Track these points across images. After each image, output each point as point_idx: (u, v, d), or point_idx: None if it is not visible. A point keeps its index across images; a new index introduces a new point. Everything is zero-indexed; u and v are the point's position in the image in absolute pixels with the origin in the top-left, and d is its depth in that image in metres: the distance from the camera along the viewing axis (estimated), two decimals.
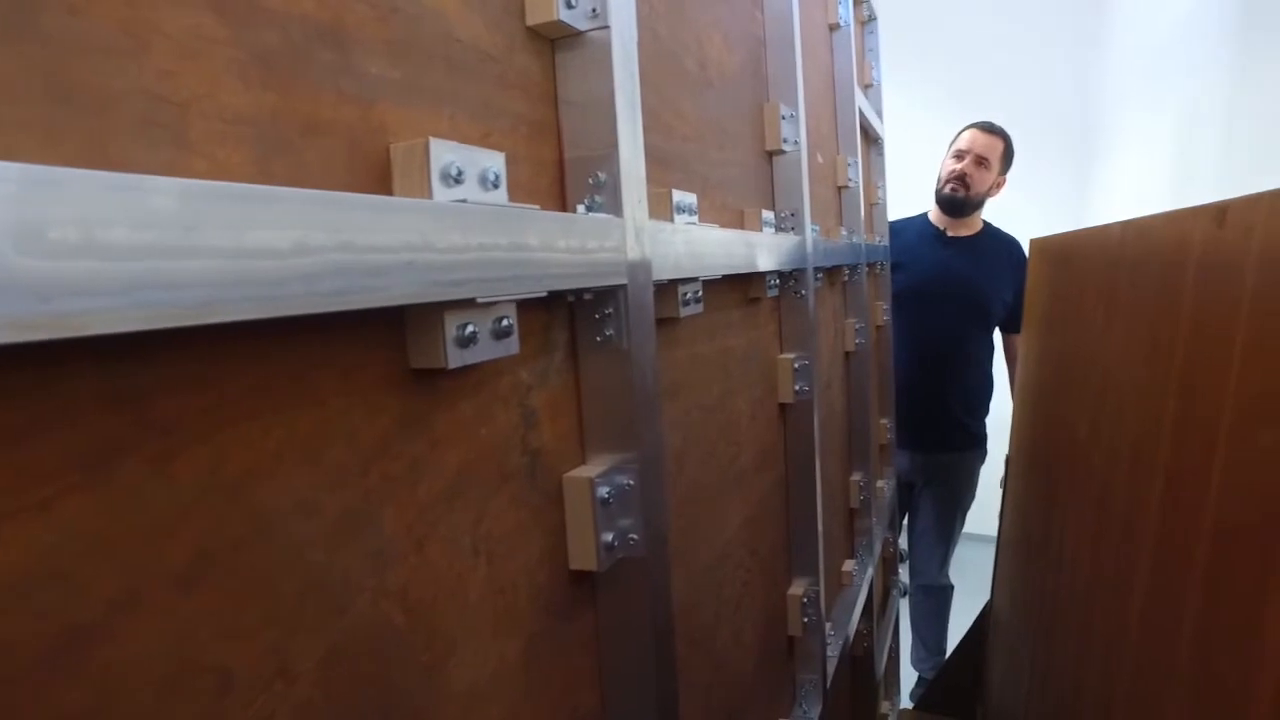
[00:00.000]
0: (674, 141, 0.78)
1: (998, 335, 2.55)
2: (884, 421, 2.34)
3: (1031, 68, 3.73)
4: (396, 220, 0.33)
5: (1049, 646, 1.53)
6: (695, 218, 0.75)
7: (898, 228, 2.50)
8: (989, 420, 2.57)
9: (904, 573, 2.83)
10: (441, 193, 0.38)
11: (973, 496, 2.61)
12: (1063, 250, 1.70)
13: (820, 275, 1.35)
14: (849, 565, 1.70)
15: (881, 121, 2.32)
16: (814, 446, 1.21)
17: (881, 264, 2.24)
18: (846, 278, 1.72)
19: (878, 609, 2.19)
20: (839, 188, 1.72)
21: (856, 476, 1.84)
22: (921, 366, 2.45)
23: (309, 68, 0.35)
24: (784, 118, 1.12)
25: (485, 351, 0.42)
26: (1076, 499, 1.34)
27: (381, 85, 0.39)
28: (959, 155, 2.36)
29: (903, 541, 2.85)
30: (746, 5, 1.07)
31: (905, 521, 2.75)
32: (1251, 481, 0.59)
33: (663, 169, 0.74)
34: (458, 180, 0.39)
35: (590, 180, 0.55)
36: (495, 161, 0.42)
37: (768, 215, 1.03)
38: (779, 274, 1.08)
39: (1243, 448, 0.57)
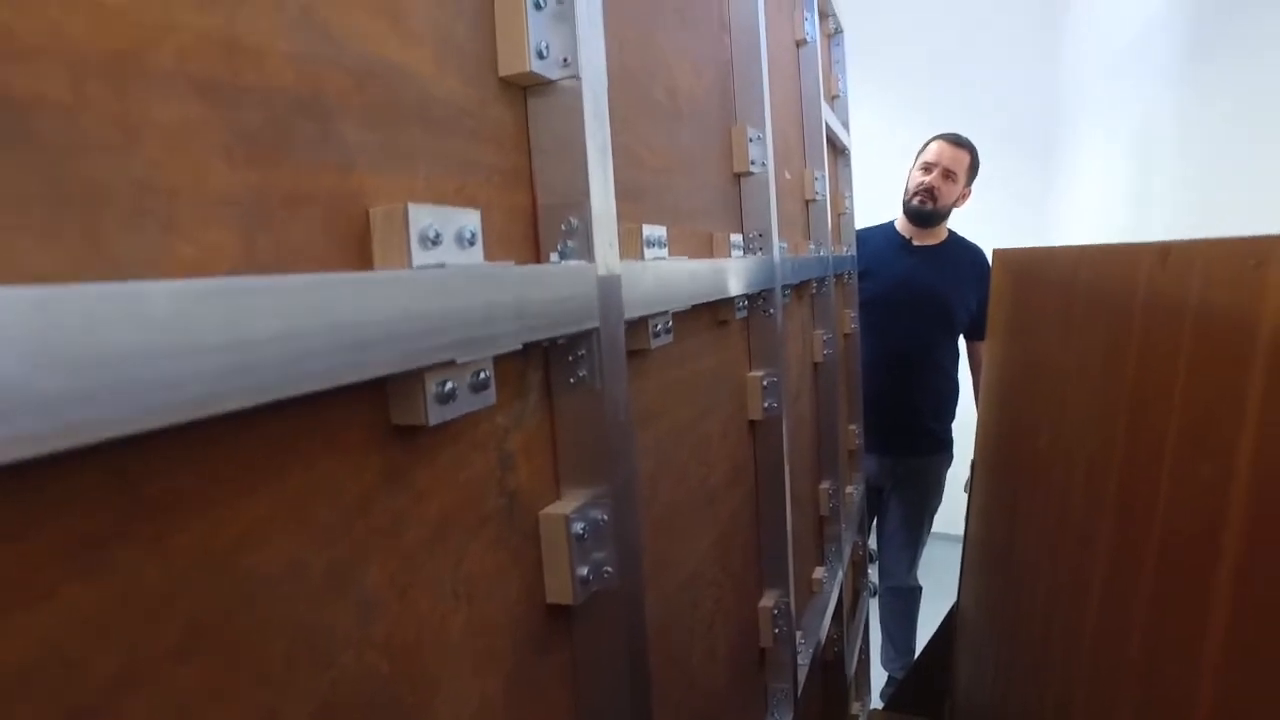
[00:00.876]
0: (644, 174, 0.79)
1: (962, 341, 2.61)
2: (852, 427, 2.38)
3: (996, 79, 3.81)
4: (379, 295, 0.34)
5: (1013, 649, 1.58)
6: (665, 250, 0.77)
7: (865, 235, 2.54)
8: (954, 425, 2.62)
9: (873, 573, 2.87)
10: (420, 256, 0.40)
11: (940, 499, 2.66)
12: (1024, 265, 1.74)
13: (788, 291, 1.37)
14: (819, 573, 1.73)
15: (848, 132, 2.36)
16: (783, 461, 1.24)
17: (849, 273, 2.28)
18: (814, 291, 1.75)
19: (847, 612, 2.23)
20: (806, 201, 1.75)
21: (826, 485, 1.88)
22: (889, 373, 2.49)
23: (290, 141, 0.36)
24: (751, 140, 1.14)
25: (464, 405, 0.44)
26: (1038, 508, 1.38)
27: (360, 150, 0.41)
28: (926, 167, 2.41)
29: (872, 542, 2.90)
30: (714, 29, 1.09)
31: (874, 524, 2.80)
32: (1193, 506, 0.62)
33: (633, 203, 0.76)
34: (435, 242, 0.41)
35: (563, 227, 0.56)
36: (471, 220, 0.44)
37: (736, 239, 1.05)
38: (747, 296, 1.10)
39: (1185, 476, 0.60)
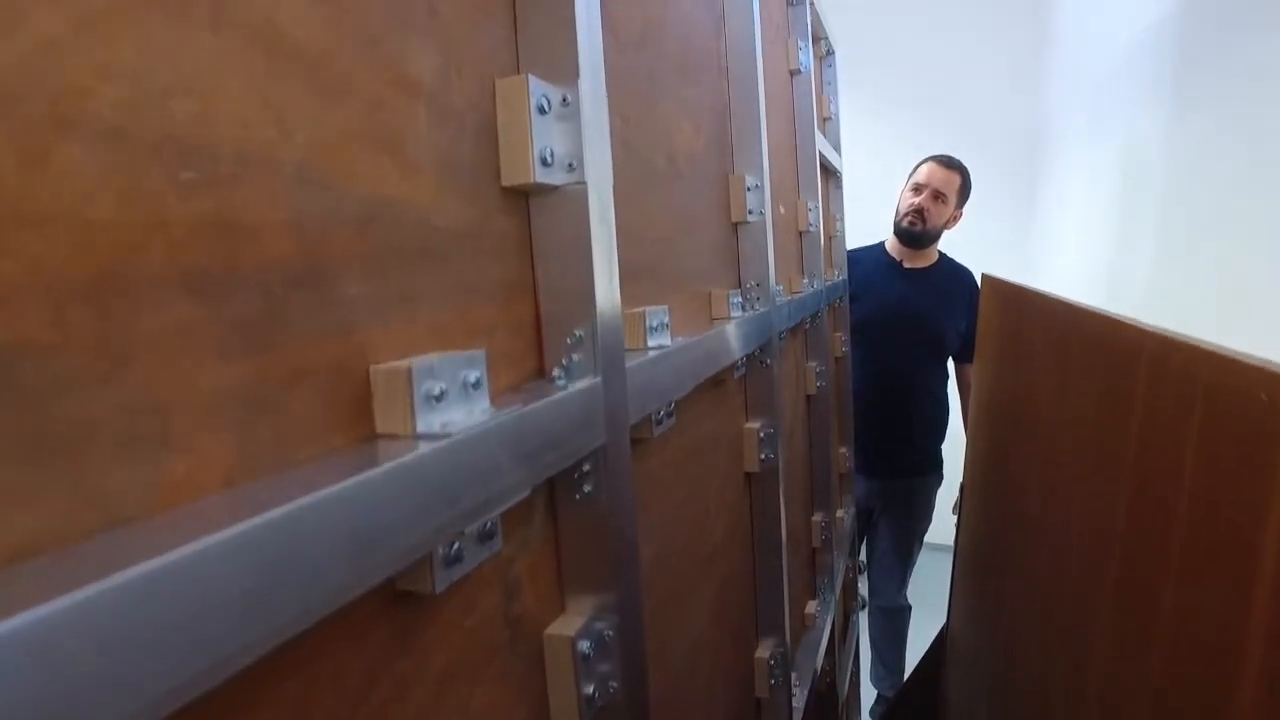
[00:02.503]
0: (644, 249, 0.77)
1: (951, 363, 2.60)
2: (843, 450, 2.37)
3: (982, 100, 3.82)
4: (388, 493, 0.32)
5: (1006, 685, 1.57)
6: (668, 333, 0.75)
7: (855, 257, 2.53)
8: (944, 446, 2.62)
9: (863, 586, 2.87)
10: (425, 418, 0.37)
11: (929, 521, 2.66)
12: (1015, 300, 1.73)
13: (784, 335, 1.35)
14: (812, 607, 1.72)
15: (839, 155, 2.34)
16: (780, 511, 1.22)
17: (840, 298, 2.27)
18: (808, 325, 1.73)
19: (839, 638, 2.22)
20: (800, 232, 1.73)
21: (818, 517, 1.86)
22: (880, 395, 2.49)
23: (287, 317, 0.34)
24: (749, 189, 1.12)
25: (472, 560, 0.41)
26: (1030, 556, 1.37)
27: (360, 305, 0.38)
28: (917, 189, 2.40)
29: (861, 554, 2.89)
30: (713, 76, 1.07)
31: (864, 543, 2.80)
32: (1207, 608, 0.61)
33: (634, 282, 0.74)
34: (439, 399, 0.38)
35: (568, 340, 0.54)
36: (475, 365, 0.42)
37: (735, 298, 1.03)
38: (746, 355, 1.08)
39: (1196, 572, 0.59)
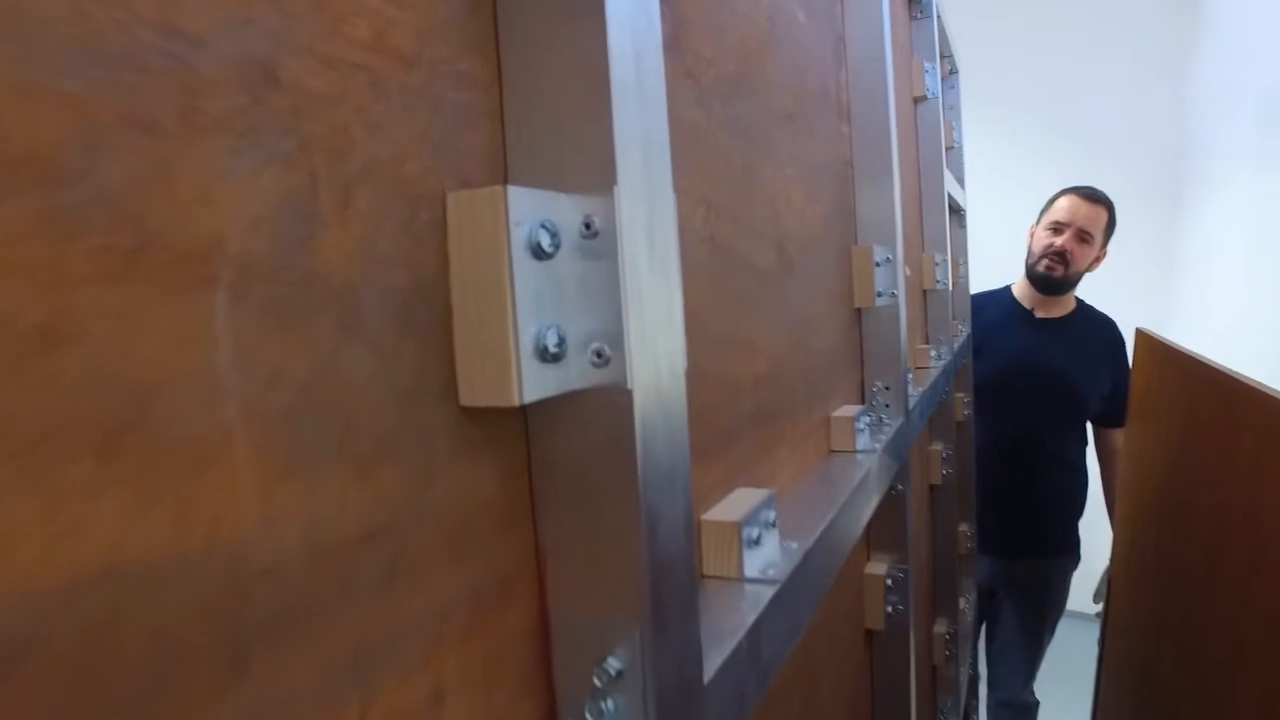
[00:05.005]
0: (740, 399, 0.51)
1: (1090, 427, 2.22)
2: (963, 528, 2.03)
3: (1115, 111, 3.38)
4: None
5: None
6: (774, 537, 0.48)
7: (977, 304, 2.19)
8: (1081, 523, 2.25)
9: (981, 688, 2.50)
10: None
11: (1062, 608, 2.28)
12: (1177, 365, 1.40)
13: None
14: None
15: (963, 189, 2.02)
16: (909, 682, 0.93)
17: (965, 357, 1.94)
18: (934, 409, 1.42)
19: None
20: (924, 291, 1.43)
21: (941, 627, 1.55)
22: (1006, 464, 2.13)
23: None
24: (878, 264, 0.84)
25: None
26: (1213, 679, 1.03)
27: None
28: (1056, 228, 2.04)
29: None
30: (830, 121, 0.80)
31: (983, 629, 2.43)
32: None
33: (720, 453, 0.47)
34: None
35: (597, 681, 0.28)
36: None
37: (862, 419, 0.75)
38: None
39: None
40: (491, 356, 0.24)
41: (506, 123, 0.28)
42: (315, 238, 0.21)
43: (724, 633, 0.38)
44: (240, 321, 0.19)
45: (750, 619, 0.39)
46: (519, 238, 0.24)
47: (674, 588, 0.30)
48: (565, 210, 0.26)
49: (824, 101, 0.76)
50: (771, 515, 0.48)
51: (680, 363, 0.30)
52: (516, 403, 0.24)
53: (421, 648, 0.24)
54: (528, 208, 0.25)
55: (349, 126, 0.22)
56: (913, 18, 1.43)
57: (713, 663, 0.34)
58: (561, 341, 0.26)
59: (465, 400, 0.25)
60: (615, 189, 0.26)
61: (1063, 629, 2.31)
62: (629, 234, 0.27)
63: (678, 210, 0.42)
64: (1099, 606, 2.15)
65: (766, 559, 0.46)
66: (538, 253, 0.25)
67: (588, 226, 0.26)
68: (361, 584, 0.22)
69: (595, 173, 0.26)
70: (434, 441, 0.24)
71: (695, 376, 0.43)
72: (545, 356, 0.25)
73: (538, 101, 0.27)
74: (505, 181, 0.25)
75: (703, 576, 0.45)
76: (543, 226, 0.25)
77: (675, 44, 0.42)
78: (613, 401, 0.27)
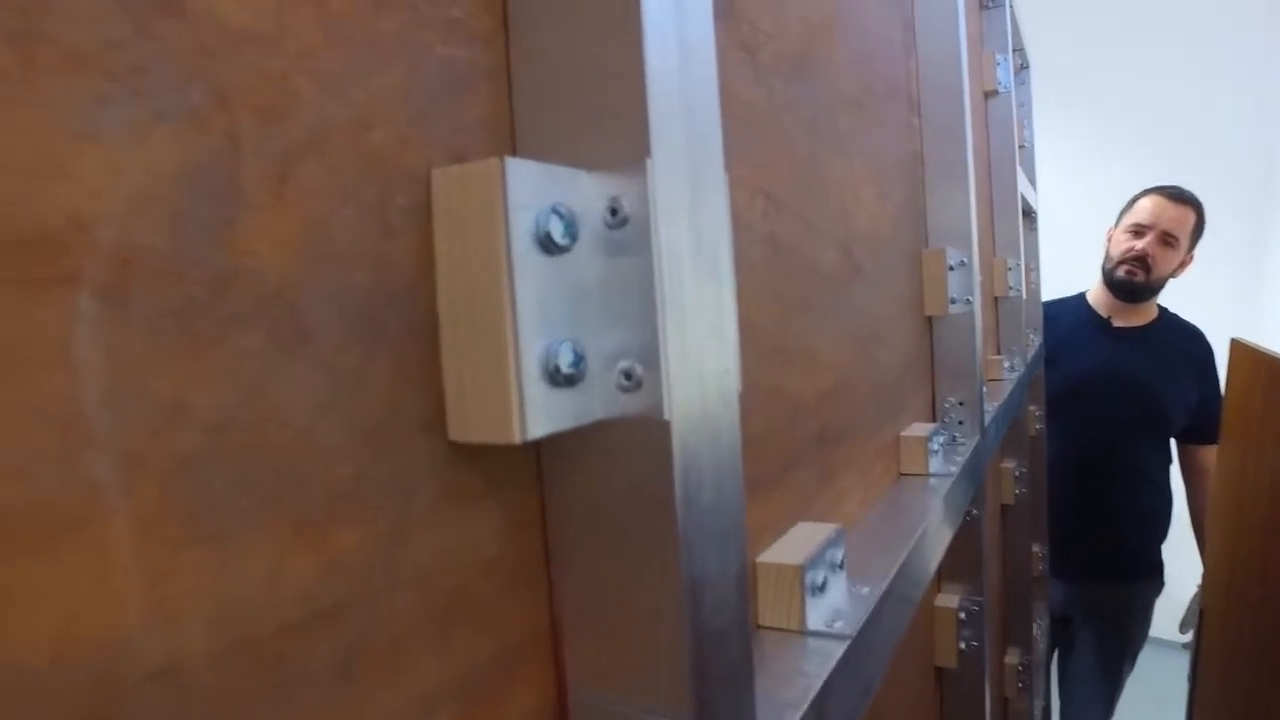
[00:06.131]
0: (803, 420, 0.44)
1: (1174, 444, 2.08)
2: (1036, 549, 1.91)
3: (1200, 105, 3.20)
4: None
5: None
6: (842, 574, 0.42)
7: (1049, 313, 2.08)
8: (1165, 545, 2.11)
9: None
10: None
11: (1144, 637, 2.14)
12: (1277, 373, 1.28)
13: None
14: None
15: (1035, 190, 1.91)
16: None
17: (1038, 368, 1.83)
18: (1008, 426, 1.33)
19: None
20: (995, 299, 1.34)
21: (1013, 658, 1.45)
22: (1081, 482, 2.01)
23: None
24: (952, 268, 0.77)
25: None
26: None
27: None
28: (1137, 230, 1.91)
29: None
30: (902, 112, 0.73)
31: (1056, 655, 2.30)
32: None
33: (780, 486, 0.41)
34: None
35: None
36: None
37: (935, 439, 0.67)
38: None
39: None
40: (486, 379, 0.19)
41: (515, 85, 0.22)
42: (236, 224, 0.15)
43: (784, 704, 0.31)
44: (117, 338, 0.13)
45: (816, 685, 0.33)
46: (522, 225, 0.19)
47: (724, 663, 0.24)
48: (585, 191, 0.21)
49: (894, 90, 0.70)
50: (839, 555, 0.42)
51: (733, 384, 0.24)
52: (517, 439, 0.18)
53: (483, 689, 0.18)
54: (534, 187, 0.19)
55: (289, 76, 0.16)
56: (983, 7, 1.35)
57: None
58: (578, 360, 0.20)
59: (456, 435, 0.20)
60: (648, 163, 0.20)
61: (1145, 659, 2.16)
62: (667, 221, 0.21)
63: (733, 201, 0.36)
64: (1187, 636, 2.01)
65: (833, 608, 0.40)
66: (547, 245, 0.19)
67: (614, 212, 0.21)
68: (305, 683, 0.16)
69: (623, 143, 0.20)
70: (412, 489, 0.19)
71: (750, 396, 0.37)
72: (557, 379, 0.19)
73: (553, 57, 0.22)
74: (503, 153, 0.20)
75: (758, 628, 0.38)
76: (555, 212, 0.19)
77: (729, 10, 0.36)
78: (646, 435, 0.21)
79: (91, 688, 0.13)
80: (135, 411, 0.14)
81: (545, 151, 0.22)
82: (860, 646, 0.38)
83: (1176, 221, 1.89)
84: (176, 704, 0.14)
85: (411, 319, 0.19)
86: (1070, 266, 2.28)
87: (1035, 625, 1.83)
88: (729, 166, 0.36)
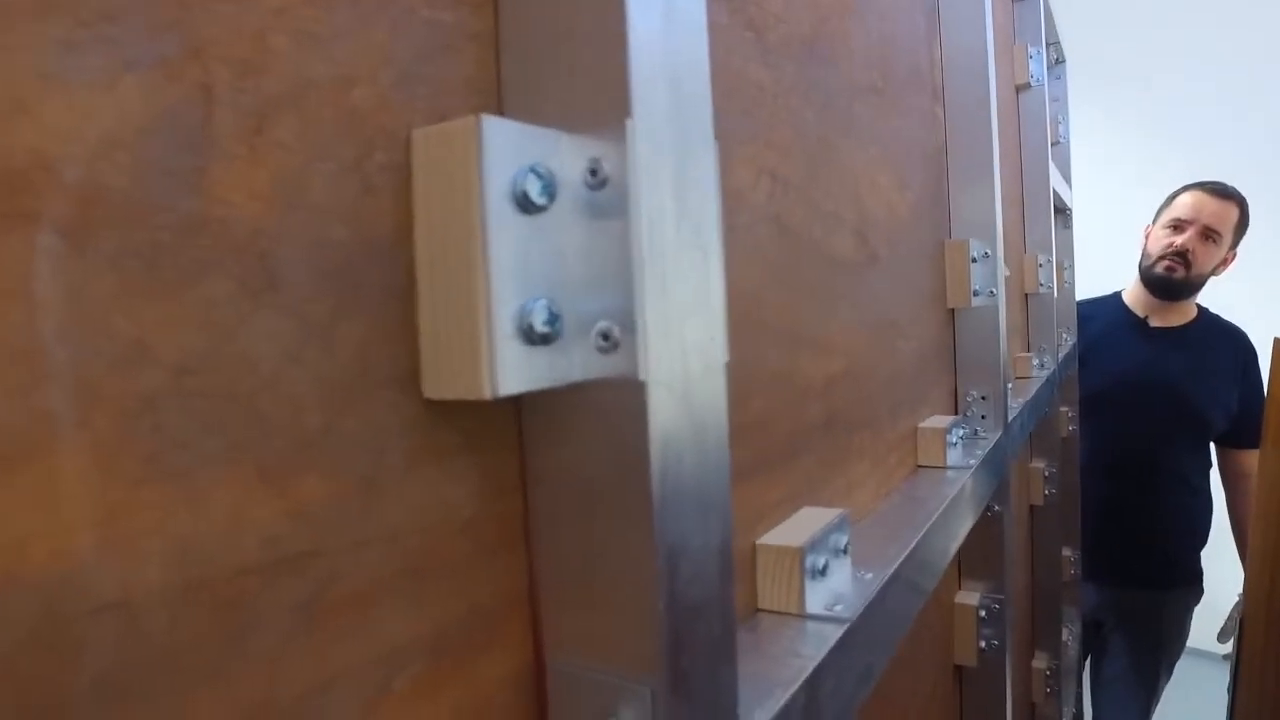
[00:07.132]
0: (811, 404, 0.44)
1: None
2: (1067, 553, 1.87)
3: (1242, 94, 3.12)
4: None
5: None
6: (846, 559, 0.41)
7: (1083, 313, 2.03)
8: (1205, 552, 2.05)
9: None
10: None
11: (1182, 646, 2.09)
12: None
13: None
14: None
15: (1069, 186, 1.88)
16: None
17: (1070, 367, 1.80)
18: (1036, 423, 1.31)
19: None
20: (1025, 295, 1.32)
21: (1041, 662, 1.42)
22: (1115, 483, 1.96)
23: None
24: (975, 259, 0.75)
25: None
26: None
27: None
28: (1177, 225, 1.86)
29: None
30: (924, 100, 0.72)
31: (1088, 661, 2.25)
32: None
33: (787, 474, 0.41)
34: None
35: None
36: None
37: (954, 432, 0.66)
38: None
39: None
40: (459, 336, 0.19)
41: (502, 48, 0.22)
42: (208, 172, 0.16)
43: (775, 683, 0.31)
44: (79, 275, 0.14)
45: (809, 666, 0.33)
46: (497, 182, 0.19)
47: (701, 635, 0.24)
48: (565, 152, 0.21)
49: (915, 78, 0.69)
50: (843, 540, 0.41)
51: (719, 354, 0.24)
52: (488, 394, 0.19)
53: (359, 711, 0.18)
54: (512, 146, 0.19)
55: (266, 32, 0.17)
56: None
57: None
58: (554, 319, 0.20)
59: (430, 392, 0.20)
60: (628, 123, 0.20)
61: (1183, 670, 2.11)
62: (649, 184, 0.21)
63: (737, 180, 0.35)
64: (1227, 647, 1.95)
65: (834, 592, 0.40)
66: (524, 204, 0.19)
67: (594, 173, 0.21)
68: (263, 627, 0.16)
69: (604, 104, 0.20)
70: (383, 445, 0.19)
71: (753, 376, 0.37)
72: (532, 337, 0.20)
73: (541, 20, 0.22)
74: (480, 111, 0.20)
75: (757, 610, 0.38)
76: (533, 171, 0.20)
77: None
78: (621, 397, 0.21)
79: (40, 614, 0.13)
80: (94, 347, 0.14)
81: (531, 114, 0.22)
82: (860, 631, 0.38)
83: (1218, 216, 1.84)
84: (127, 637, 0.14)
85: (390, 276, 0.19)
86: (1107, 266, 2.23)
87: (1065, 630, 1.79)
88: (734, 145, 0.36)
